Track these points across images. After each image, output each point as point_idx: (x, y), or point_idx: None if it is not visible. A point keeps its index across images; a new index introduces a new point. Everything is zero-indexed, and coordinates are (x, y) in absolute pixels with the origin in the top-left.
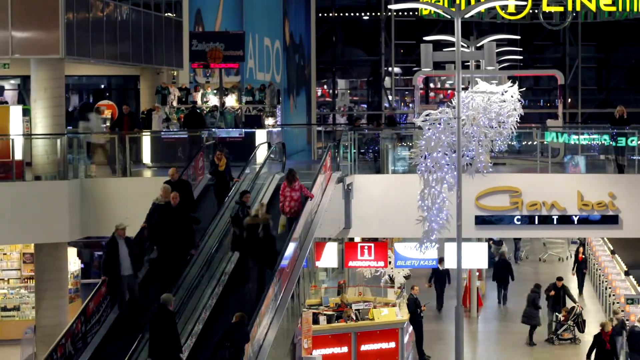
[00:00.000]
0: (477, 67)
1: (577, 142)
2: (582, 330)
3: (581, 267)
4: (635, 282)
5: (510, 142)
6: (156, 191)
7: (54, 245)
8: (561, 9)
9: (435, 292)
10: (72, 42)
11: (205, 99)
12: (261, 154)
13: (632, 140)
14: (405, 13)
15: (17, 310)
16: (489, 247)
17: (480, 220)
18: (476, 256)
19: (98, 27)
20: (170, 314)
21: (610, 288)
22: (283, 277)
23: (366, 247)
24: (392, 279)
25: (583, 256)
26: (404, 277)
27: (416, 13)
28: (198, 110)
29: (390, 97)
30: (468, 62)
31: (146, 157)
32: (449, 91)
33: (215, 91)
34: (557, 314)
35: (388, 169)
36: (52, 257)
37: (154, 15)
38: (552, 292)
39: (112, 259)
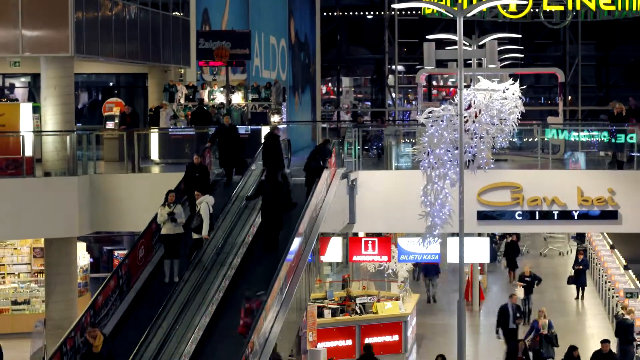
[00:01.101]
0: (479, 65)
1: (577, 139)
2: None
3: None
4: (634, 277)
5: (511, 139)
6: (164, 187)
7: (63, 240)
8: (561, 8)
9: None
10: (81, 40)
11: (212, 97)
12: None
13: (631, 137)
14: (409, 12)
15: (28, 304)
16: (493, 242)
17: (482, 216)
18: (478, 251)
19: (107, 26)
20: (276, 137)
21: (609, 282)
22: (289, 271)
23: (370, 242)
24: (395, 273)
25: (546, 332)
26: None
27: (419, 12)
28: (205, 108)
29: (393, 95)
30: (470, 60)
31: (154, 153)
32: (451, 89)
33: (222, 89)
34: None
35: (391, 165)
36: (62, 251)
37: (162, 14)
38: None
39: None
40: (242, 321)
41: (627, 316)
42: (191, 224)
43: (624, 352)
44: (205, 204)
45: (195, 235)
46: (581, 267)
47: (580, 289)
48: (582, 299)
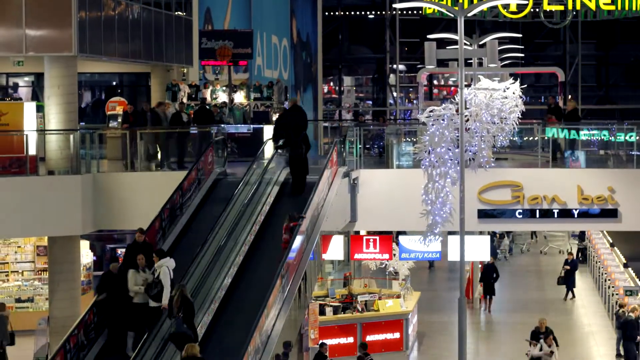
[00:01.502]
0: (480, 64)
1: (577, 138)
2: None
3: None
4: (633, 274)
5: (511, 138)
6: (167, 185)
7: (67, 238)
8: (562, 7)
9: None
10: (84, 40)
11: (214, 96)
12: (269, 149)
13: (630, 136)
14: (410, 12)
15: (31, 302)
16: (492, 240)
17: (483, 214)
18: (479, 249)
19: (110, 25)
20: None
21: (609, 280)
22: (290, 269)
23: (371, 240)
24: (396, 271)
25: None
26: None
27: (420, 12)
28: (207, 107)
29: (395, 94)
30: (471, 59)
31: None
32: (452, 88)
33: (224, 88)
34: None
35: (393, 164)
36: (65, 249)
37: (165, 14)
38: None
39: None
40: (283, 237)
41: (631, 314)
42: (150, 291)
43: (625, 349)
44: (165, 268)
45: (152, 304)
46: (569, 267)
47: (570, 290)
48: (572, 298)
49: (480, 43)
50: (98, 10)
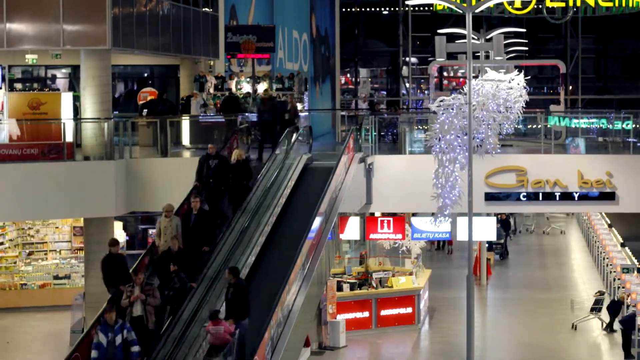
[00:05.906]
0: (487, 57)
1: (577, 126)
2: None
3: None
4: (630, 253)
5: (516, 126)
6: (193, 171)
7: (101, 219)
8: (563, 4)
9: None
10: (118, 34)
11: (239, 87)
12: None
13: (627, 124)
14: (421, 8)
15: (68, 279)
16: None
17: (490, 197)
18: (485, 229)
19: (142, 20)
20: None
21: (607, 258)
22: (310, 248)
23: (386, 221)
24: (409, 250)
25: None
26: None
27: (431, 8)
28: (233, 96)
29: (407, 85)
30: (478, 52)
31: (185, 139)
32: (461, 79)
33: (248, 79)
34: None
35: (406, 150)
36: (100, 230)
37: (193, 10)
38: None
39: None
40: None
41: (633, 308)
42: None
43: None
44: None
45: None
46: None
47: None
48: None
49: (487, 37)
50: (130, 6)
